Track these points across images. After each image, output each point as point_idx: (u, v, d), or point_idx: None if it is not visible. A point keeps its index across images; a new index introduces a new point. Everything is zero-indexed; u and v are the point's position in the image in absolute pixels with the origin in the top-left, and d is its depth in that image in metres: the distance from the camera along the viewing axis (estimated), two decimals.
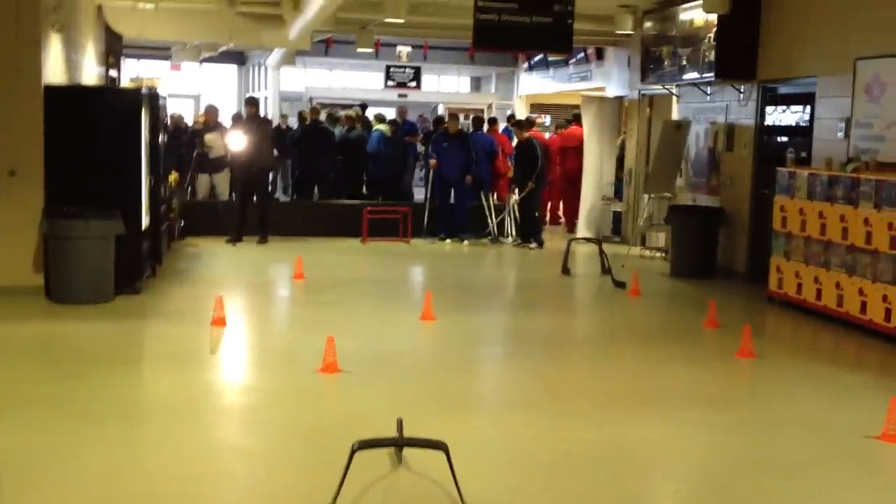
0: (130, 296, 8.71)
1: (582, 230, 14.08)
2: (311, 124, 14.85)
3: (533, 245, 13.22)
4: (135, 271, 8.96)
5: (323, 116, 15.66)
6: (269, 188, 13.76)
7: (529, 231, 13.38)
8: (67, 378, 6.21)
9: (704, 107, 12.05)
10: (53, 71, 9.13)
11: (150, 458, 4.85)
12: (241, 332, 7.70)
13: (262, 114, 14.11)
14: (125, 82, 16.17)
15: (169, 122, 14.27)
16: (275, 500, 4.31)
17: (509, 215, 13.71)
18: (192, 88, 23.84)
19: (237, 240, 12.47)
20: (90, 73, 11.74)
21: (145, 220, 9.39)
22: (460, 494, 4.00)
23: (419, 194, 15.93)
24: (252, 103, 13.30)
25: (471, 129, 14.42)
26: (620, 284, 10.12)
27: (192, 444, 5.13)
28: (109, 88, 9.16)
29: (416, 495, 4.41)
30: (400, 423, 4.73)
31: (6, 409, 5.48)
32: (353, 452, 3.93)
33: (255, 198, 12.83)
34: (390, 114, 17.33)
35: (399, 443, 4.55)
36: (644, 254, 12.66)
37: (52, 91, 8.74)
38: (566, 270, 10.95)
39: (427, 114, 22.11)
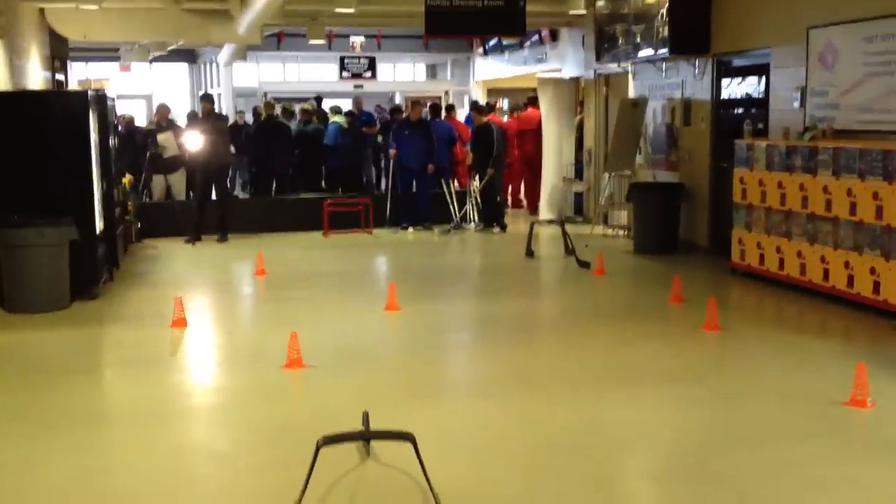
0: (87, 302, 8.55)
1: (544, 212, 14.05)
2: (266, 119, 14.66)
3: (496, 230, 13.17)
4: (91, 277, 8.78)
5: (278, 111, 15.47)
6: (229, 186, 13.54)
7: (492, 216, 13.32)
8: (25, 389, 6.06)
9: (660, 83, 12.04)
10: None
11: (114, 464, 4.74)
12: (203, 332, 7.56)
13: (217, 110, 13.91)
14: (73, 86, 15.85)
15: (120, 124, 14.04)
16: (243, 501, 4.20)
17: (471, 201, 13.63)
18: (143, 89, 23.49)
19: (196, 239, 12.29)
20: (35, 78, 11.49)
21: (99, 225, 9.19)
22: (430, 484, 3.93)
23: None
24: (207, 100, 13.09)
25: (429, 117, 14.31)
26: (585, 264, 10.09)
27: (156, 448, 5.01)
28: (54, 92, 8.96)
29: (385, 487, 4.32)
30: (365, 417, 4.64)
31: None
32: (318, 448, 3.84)
33: (213, 196, 12.63)
34: (347, 105, 17.16)
35: (364, 436, 4.47)
36: (607, 232, 12.64)
37: None
38: (530, 253, 10.90)
39: (384, 103, 21.96)
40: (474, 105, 14.94)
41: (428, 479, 3.92)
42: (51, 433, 5.14)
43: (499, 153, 13.28)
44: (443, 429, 5.17)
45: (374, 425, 4.73)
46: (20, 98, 8.78)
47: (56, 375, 6.34)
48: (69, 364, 6.66)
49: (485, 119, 13.53)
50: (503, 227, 13.21)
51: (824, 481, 4.41)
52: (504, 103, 20.38)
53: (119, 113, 14.79)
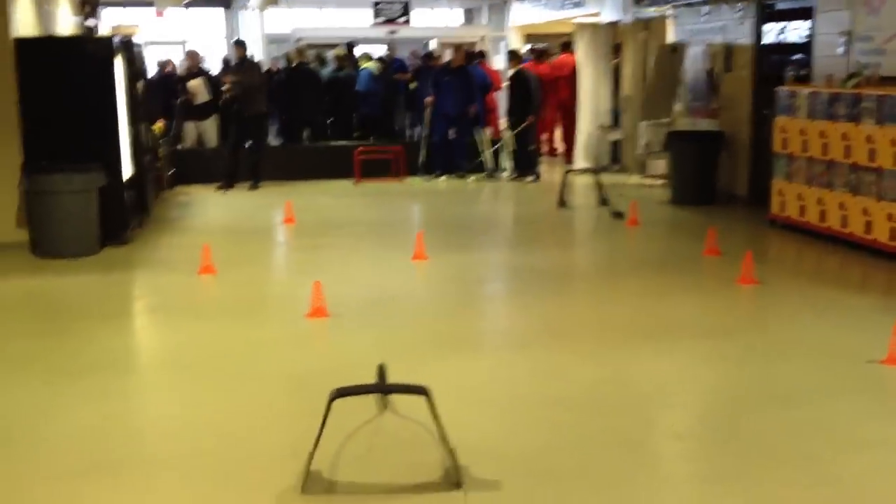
0: (117, 247, 8.54)
1: (579, 161, 13.79)
2: (296, 66, 14.47)
3: (530, 178, 12.96)
4: (120, 223, 8.76)
5: (310, 57, 15.27)
6: (266, 134, 13.38)
7: (526, 164, 13.10)
8: (51, 333, 6.06)
9: (701, 28, 11.68)
10: (24, 22, 8.82)
11: (132, 412, 4.72)
12: (229, 279, 7.50)
13: (250, 57, 13.70)
14: (105, 31, 15.75)
15: (155, 70, 13.97)
16: (258, 451, 4.14)
17: (505, 149, 13.41)
18: (177, 35, 23.35)
19: (228, 186, 12.23)
20: (66, 24, 11.39)
21: (128, 171, 9.15)
22: (444, 439, 3.83)
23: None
24: (240, 45, 12.92)
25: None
26: (618, 215, 9.88)
27: (174, 396, 4.99)
28: (81, 38, 8.85)
29: (402, 440, 4.24)
30: (381, 369, 4.54)
31: None
32: (330, 401, 3.75)
33: (248, 143, 12.51)
34: (381, 52, 16.91)
35: (377, 389, 4.38)
36: (644, 182, 12.39)
37: (22, 43, 8.44)
38: (563, 203, 10.70)
39: (419, 49, 21.63)
40: (512, 52, 14.59)
41: (442, 433, 3.82)
42: (71, 379, 5.12)
43: (535, 101, 13.03)
44: (465, 381, 5.07)
45: (395, 377, 4.63)
46: (46, 44, 8.69)
47: (80, 321, 6.33)
48: (93, 310, 6.65)
49: (519, 66, 13.26)
50: (537, 176, 12.99)
51: (858, 442, 4.24)
52: (525, 49, 19.93)
53: (159, 58, 14.76)
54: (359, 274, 7.67)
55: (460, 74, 13.17)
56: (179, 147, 13.22)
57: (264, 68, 14.86)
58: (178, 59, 15.19)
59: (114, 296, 7.13)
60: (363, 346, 5.66)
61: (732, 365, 5.32)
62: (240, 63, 12.59)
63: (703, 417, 4.73)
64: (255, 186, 12.28)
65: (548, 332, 6.09)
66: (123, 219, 8.81)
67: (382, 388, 4.40)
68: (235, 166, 12.29)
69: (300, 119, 14.38)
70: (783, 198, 9.11)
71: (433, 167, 13.21)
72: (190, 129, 13.36)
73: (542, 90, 14.04)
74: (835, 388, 4.96)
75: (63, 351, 5.66)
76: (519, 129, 12.91)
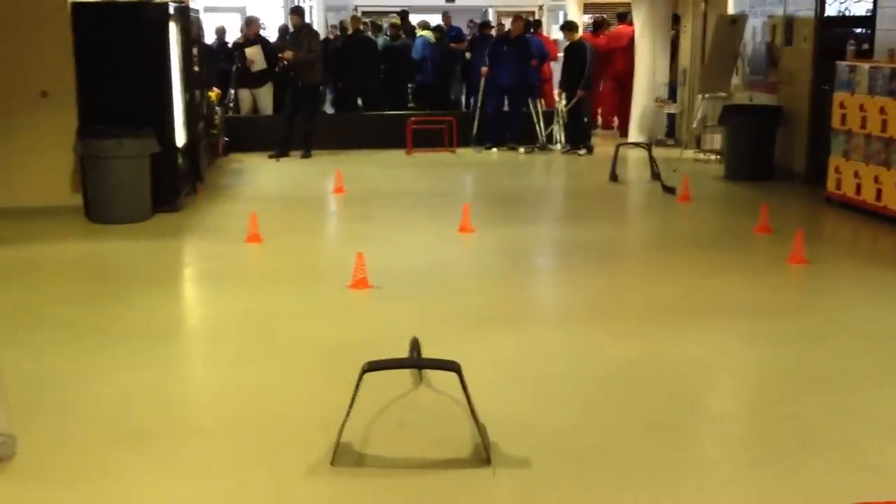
0: (168, 214, 8.65)
1: (634, 134, 13.60)
2: (352, 34, 14.45)
3: (582, 151, 12.82)
4: (172, 189, 8.87)
5: (366, 25, 15.25)
6: (321, 102, 13.36)
7: (579, 137, 12.96)
8: (97, 298, 6.19)
9: None
10: None
11: (169, 379, 4.78)
12: (275, 248, 7.56)
13: (308, 25, 13.69)
14: None
15: (213, 37, 14.04)
16: (292, 422, 4.19)
17: (558, 121, 13.27)
18: (236, 1, 23.46)
19: (282, 155, 12.31)
20: None
21: (181, 138, 9.25)
22: (474, 416, 3.82)
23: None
24: (296, 13, 12.92)
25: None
26: (670, 190, 9.74)
27: (212, 364, 5.06)
28: (136, 3, 8.89)
29: (434, 415, 4.25)
30: (415, 343, 4.55)
31: (37, 330, 5.47)
32: (361, 374, 3.76)
33: (302, 113, 12.54)
34: (437, 21, 16.81)
35: (409, 364, 4.38)
36: (699, 157, 12.17)
37: (79, 7, 8.56)
38: (614, 177, 10.58)
39: (476, 18, 21.47)
40: (566, 24, 14.39)
41: (473, 410, 3.82)
42: (113, 345, 5.22)
43: (591, 73, 12.86)
44: (502, 356, 5.06)
45: (431, 350, 4.65)
46: (102, 8, 8.78)
47: (126, 287, 6.45)
48: (140, 276, 6.76)
49: (576, 36, 13.08)
50: (590, 149, 12.85)
51: None
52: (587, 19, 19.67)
53: (216, 25, 14.84)
54: (404, 245, 7.68)
55: (518, 45, 13.03)
56: (234, 114, 13.33)
57: (322, 37, 14.89)
58: (235, 26, 15.27)
59: (160, 262, 7.24)
60: (402, 318, 5.67)
61: (776, 346, 5.22)
62: (297, 32, 12.60)
63: (742, 400, 4.67)
64: (306, 155, 12.35)
65: (590, 308, 6.05)
66: (175, 185, 8.92)
67: (414, 362, 4.41)
68: (289, 135, 12.35)
69: (355, 88, 14.38)
70: (840, 175, 8.88)
71: (485, 138, 13.13)
72: (245, 96, 13.45)
73: (598, 62, 13.88)
74: (881, 373, 4.84)
75: (107, 316, 5.77)
76: (572, 102, 12.76)
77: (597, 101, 14.91)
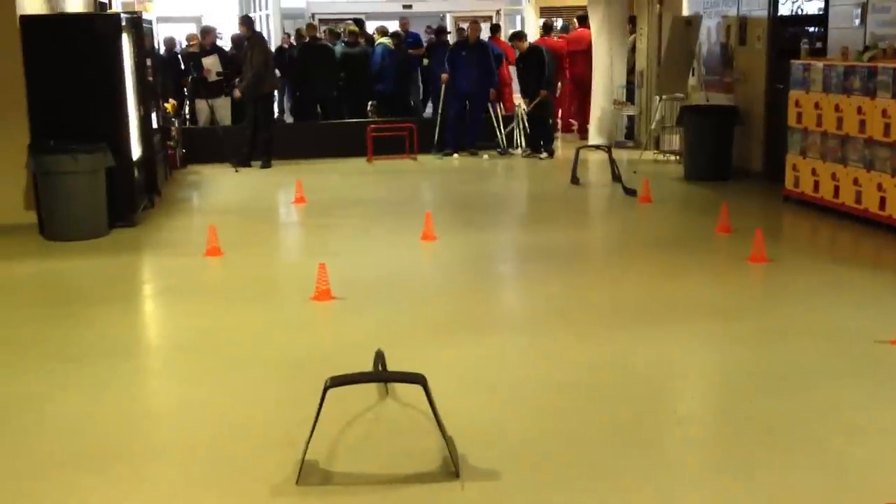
0: (125, 229, 8.52)
1: (593, 136, 13.65)
2: (309, 41, 14.36)
3: (543, 155, 12.84)
4: (129, 204, 8.74)
5: (322, 32, 15.15)
6: (276, 111, 13.18)
7: (542, 141, 12.96)
8: (55, 317, 6.06)
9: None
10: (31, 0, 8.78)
11: (130, 399, 4.68)
12: (235, 261, 7.47)
13: (258, 33, 13.55)
14: (117, 8, 15.68)
15: (162, 48, 13.86)
16: (255, 440, 4.11)
17: (517, 126, 13.28)
18: (192, 11, 23.29)
19: (244, 165, 12.15)
20: (75, 1, 11.33)
21: (137, 151, 9.12)
22: (441, 428, 3.78)
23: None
24: (243, 23, 12.77)
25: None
26: (631, 192, 9.77)
27: (173, 382, 4.97)
28: (86, 15, 8.79)
29: (400, 428, 4.20)
30: (379, 356, 4.50)
31: None
32: (325, 390, 3.70)
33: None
34: (393, 28, 16.76)
35: (373, 378, 4.33)
36: (658, 158, 12.25)
37: (27, 21, 8.40)
38: (575, 180, 10.60)
39: (434, 24, 21.46)
40: (515, 34, 14.39)
41: (439, 422, 3.77)
42: (72, 365, 5.11)
43: (550, 76, 12.88)
44: (467, 365, 5.02)
45: (396, 360, 4.60)
46: (52, 21, 8.64)
47: (85, 305, 6.32)
48: (98, 293, 6.64)
49: (526, 44, 13.09)
50: (551, 153, 12.87)
51: (862, 427, 4.16)
52: (559, 23, 19.77)
53: (167, 36, 14.66)
54: (367, 255, 7.63)
55: (477, 50, 13.03)
56: (191, 125, 13.18)
57: (277, 44, 14.77)
58: (188, 36, 15.09)
59: (119, 279, 7.11)
60: (366, 330, 5.62)
61: (738, 347, 5.23)
62: (244, 40, 12.43)
63: (706, 401, 4.67)
64: (266, 165, 12.23)
65: (554, 313, 6.03)
66: (132, 200, 8.79)
67: (379, 376, 4.36)
68: (253, 146, 12.22)
69: (312, 96, 14.28)
70: (797, 173, 8.97)
71: (446, 144, 13.11)
72: (203, 107, 13.29)
73: (557, 65, 13.94)
74: (843, 370, 4.87)
75: (66, 335, 5.66)
76: (533, 104, 12.77)
77: (557, 103, 14.95)
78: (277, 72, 14.61)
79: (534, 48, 13.00)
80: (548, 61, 12.83)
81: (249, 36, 12.45)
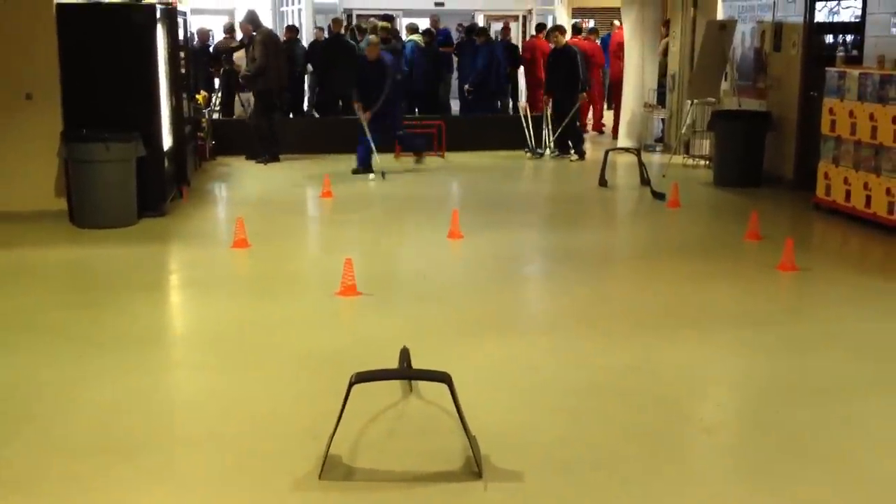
0: (155, 218, 8.58)
1: (623, 139, 13.58)
2: (332, 38, 14.34)
3: (574, 157, 12.78)
4: (158, 194, 8.80)
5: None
6: (273, 107, 12.82)
7: (571, 142, 12.90)
8: (83, 305, 6.11)
9: (751, 4, 11.38)
10: None
11: (156, 388, 4.71)
12: (262, 254, 7.50)
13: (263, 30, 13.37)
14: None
15: (196, 39, 13.90)
16: (279, 433, 4.12)
17: (547, 126, 13.22)
18: (226, 3, 23.34)
19: (273, 159, 12.16)
20: None
21: (168, 141, 9.18)
22: (465, 428, 3.77)
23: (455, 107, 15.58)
24: (248, 20, 12.48)
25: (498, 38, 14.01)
26: (659, 196, 9.71)
27: (199, 373, 4.99)
28: (122, 5, 8.82)
29: (424, 426, 4.20)
30: (404, 353, 4.50)
31: (21, 337, 5.39)
32: (350, 386, 3.71)
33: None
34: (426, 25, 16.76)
35: (399, 375, 4.33)
36: (687, 162, 12.16)
37: (64, 10, 8.47)
38: (603, 182, 10.55)
39: (466, 22, 21.44)
40: (553, 27, 14.36)
41: (464, 422, 3.77)
42: (99, 353, 5.15)
43: (584, 77, 12.82)
44: (492, 365, 5.01)
45: (421, 358, 4.60)
46: (88, 10, 8.70)
47: (112, 293, 6.35)
48: (126, 282, 6.67)
49: (563, 40, 13.05)
50: (581, 154, 12.81)
51: (891, 441, 4.11)
52: (591, 23, 19.70)
53: (200, 28, 14.71)
54: (392, 251, 7.63)
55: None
56: (219, 117, 13.22)
57: (309, 38, 14.75)
58: (225, 27, 15.16)
59: (147, 268, 7.15)
60: (391, 327, 5.62)
61: (766, 356, 5.19)
62: (250, 39, 12.38)
63: (734, 410, 4.63)
64: (263, 160, 12.13)
65: (579, 316, 6.00)
66: (162, 190, 8.85)
67: (404, 373, 4.35)
68: (275, 139, 12.23)
69: (332, 91, 14.23)
70: (829, 181, 8.88)
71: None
72: (237, 100, 13.32)
73: (590, 67, 13.92)
74: (872, 382, 4.82)
75: (94, 323, 5.70)
76: (574, 109, 12.67)
77: (589, 105, 14.94)
78: (309, 66, 14.66)
79: (564, 49, 12.92)
80: (581, 63, 12.75)
81: (255, 31, 12.33)
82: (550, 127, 13.05)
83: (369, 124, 11.22)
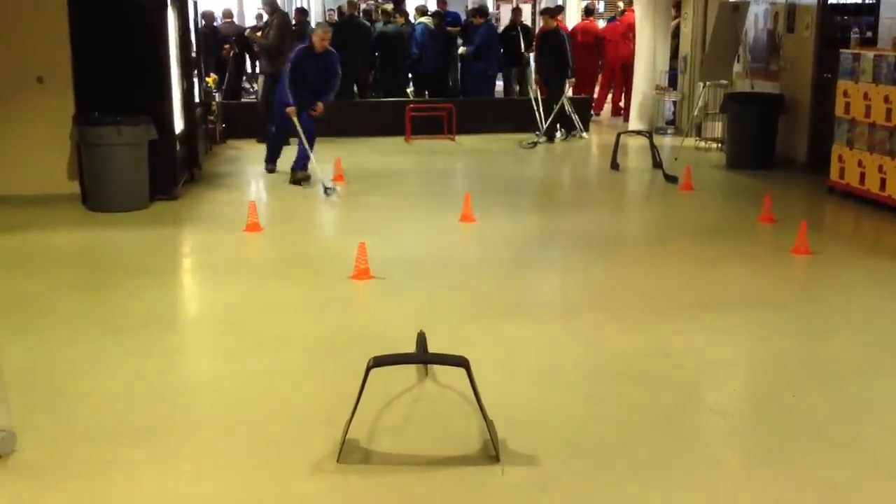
0: (166, 202, 8.58)
1: (634, 122, 13.52)
2: (346, 18, 14.29)
3: (574, 134, 12.77)
4: (170, 177, 8.79)
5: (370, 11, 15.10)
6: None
7: (563, 127, 12.87)
8: (96, 288, 6.14)
9: None
10: None
11: (171, 372, 4.72)
12: (275, 238, 7.51)
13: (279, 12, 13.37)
14: None
15: (201, 21, 13.86)
16: (296, 417, 4.13)
17: (537, 111, 13.06)
18: None
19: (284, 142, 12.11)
20: None
21: (179, 124, 9.17)
22: (483, 412, 3.77)
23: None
24: (266, 3, 12.61)
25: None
26: (672, 179, 9.68)
27: (215, 357, 5.01)
28: None
29: (441, 410, 4.20)
30: (421, 337, 4.49)
31: (35, 321, 5.40)
32: (367, 370, 3.71)
33: None
34: (434, 7, 16.68)
35: (416, 360, 4.33)
36: (699, 145, 12.11)
37: None
38: (615, 165, 10.51)
39: (476, 4, 21.32)
40: (546, 9, 14.28)
41: (482, 406, 3.77)
42: (114, 336, 5.15)
43: (572, 60, 12.74)
44: (508, 349, 5.01)
45: (436, 343, 4.59)
46: None
47: (126, 277, 6.37)
48: (139, 266, 6.67)
49: (553, 23, 12.93)
50: (579, 130, 12.80)
51: None
52: (600, 5, 19.58)
53: (206, 11, 14.68)
54: (405, 235, 7.62)
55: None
56: (231, 100, 13.22)
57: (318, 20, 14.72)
58: (224, 12, 15.14)
59: (160, 252, 7.16)
60: (405, 310, 5.62)
61: (781, 339, 5.18)
62: (268, 20, 12.37)
63: (749, 394, 4.62)
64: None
65: (593, 299, 6.00)
66: (173, 173, 8.84)
67: (421, 357, 4.36)
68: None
69: (346, 74, 14.16)
70: (843, 164, 8.83)
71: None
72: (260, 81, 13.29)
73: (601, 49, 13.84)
74: (888, 365, 4.81)
75: (108, 306, 5.71)
76: (565, 93, 12.61)
77: (606, 87, 14.88)
78: None
79: (554, 31, 12.79)
80: (569, 47, 12.68)
81: (271, 14, 12.34)
82: (542, 112, 12.88)
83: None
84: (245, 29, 13.70)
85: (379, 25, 14.67)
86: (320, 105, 9.52)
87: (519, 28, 14.90)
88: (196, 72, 10.36)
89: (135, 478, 3.59)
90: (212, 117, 11.90)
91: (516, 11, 16.23)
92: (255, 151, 11.82)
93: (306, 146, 9.49)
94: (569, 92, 13.09)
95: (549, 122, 12.72)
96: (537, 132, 12.94)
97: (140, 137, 8.27)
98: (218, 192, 9.34)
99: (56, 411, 4.20)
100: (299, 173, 9.60)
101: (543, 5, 18.08)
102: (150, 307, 5.71)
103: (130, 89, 8.44)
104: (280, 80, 9.61)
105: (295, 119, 9.29)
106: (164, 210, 8.36)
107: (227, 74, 13.58)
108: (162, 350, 4.99)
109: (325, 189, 9.04)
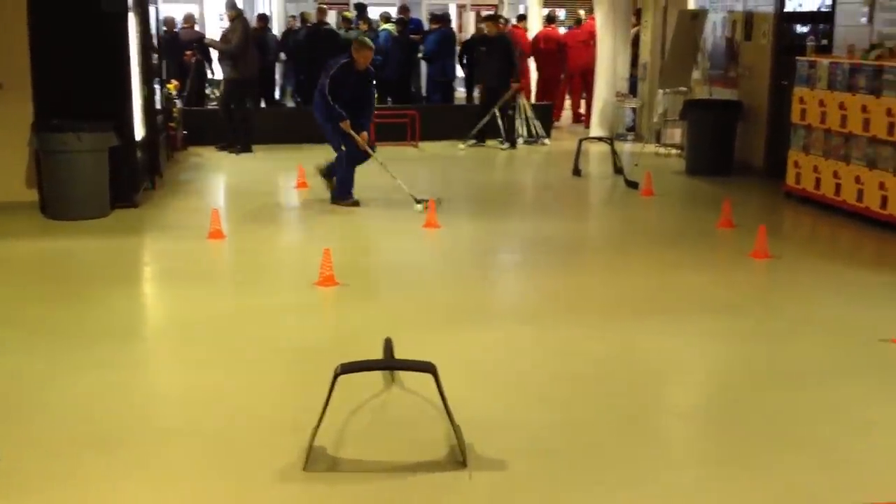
0: (127, 209, 8.50)
1: (595, 129, 13.64)
2: (315, 26, 14.28)
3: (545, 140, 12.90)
4: (131, 184, 8.71)
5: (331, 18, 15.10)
6: (238, 98, 12.76)
7: (504, 131, 12.90)
8: (57, 298, 6.05)
9: None
10: None
11: (134, 382, 4.68)
12: (238, 245, 7.47)
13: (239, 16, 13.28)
14: None
15: (162, 28, 13.78)
16: (261, 425, 4.12)
17: (520, 116, 13.18)
18: None
19: (246, 149, 12.09)
20: None
21: (140, 131, 9.09)
22: (450, 418, 3.79)
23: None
24: (230, 6, 12.54)
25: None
26: (633, 184, 9.78)
27: (178, 366, 4.97)
28: None
29: (408, 416, 4.21)
30: (388, 344, 4.51)
31: None
32: (335, 377, 3.71)
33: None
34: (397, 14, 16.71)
35: (383, 366, 4.34)
36: (659, 151, 12.25)
37: None
38: (577, 171, 10.60)
39: (439, 11, 21.40)
40: (488, 16, 14.34)
41: (448, 412, 3.79)
42: (76, 346, 5.09)
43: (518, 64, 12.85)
44: (473, 355, 5.03)
45: (403, 349, 4.61)
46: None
47: (87, 286, 6.30)
48: (101, 275, 6.62)
49: (495, 29, 12.96)
50: (512, 143, 12.86)
51: (868, 424, 4.19)
52: (561, 13, 19.73)
53: (169, 16, 14.60)
54: (370, 241, 7.64)
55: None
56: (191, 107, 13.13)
57: (281, 27, 14.69)
58: (185, 17, 15.04)
59: (122, 260, 7.10)
60: (371, 317, 5.63)
61: (742, 342, 5.26)
62: (231, 25, 12.33)
63: (711, 396, 4.69)
64: (245, 150, 12.07)
65: (557, 304, 6.05)
66: (134, 180, 8.77)
67: (389, 364, 4.37)
68: (235, 128, 12.15)
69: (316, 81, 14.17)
70: (799, 170, 8.99)
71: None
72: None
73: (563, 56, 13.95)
74: (846, 367, 4.90)
75: (69, 316, 5.65)
76: (505, 99, 12.65)
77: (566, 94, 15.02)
78: (283, 55, 14.60)
79: (501, 37, 12.86)
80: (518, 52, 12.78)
81: (234, 19, 12.29)
82: (501, 119, 12.92)
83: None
84: (204, 36, 13.61)
85: (341, 32, 14.68)
86: (364, 134, 8.93)
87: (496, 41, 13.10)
88: (157, 78, 10.29)
89: (102, 488, 3.57)
90: (173, 124, 11.82)
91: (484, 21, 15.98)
92: (216, 159, 11.77)
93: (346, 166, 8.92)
94: (522, 98, 13.17)
95: (480, 125, 12.72)
96: (500, 139, 13.00)
97: (101, 144, 8.18)
98: (180, 199, 9.27)
99: (21, 422, 4.15)
100: (350, 200, 8.88)
101: (505, 12, 18.19)
102: (114, 317, 5.66)
103: (91, 96, 8.34)
104: (317, 99, 9.00)
105: (351, 131, 8.74)
106: (125, 218, 8.29)
107: (188, 80, 13.48)
108: (125, 360, 4.95)
109: (417, 201, 8.57)
